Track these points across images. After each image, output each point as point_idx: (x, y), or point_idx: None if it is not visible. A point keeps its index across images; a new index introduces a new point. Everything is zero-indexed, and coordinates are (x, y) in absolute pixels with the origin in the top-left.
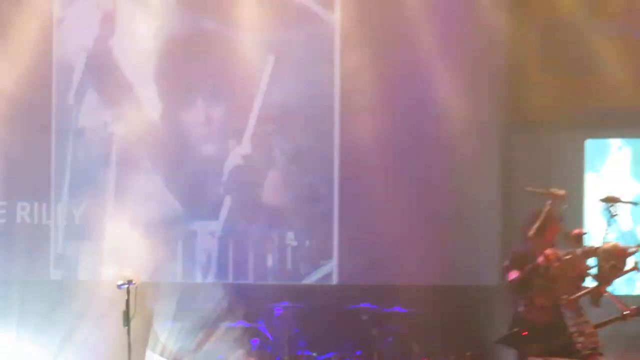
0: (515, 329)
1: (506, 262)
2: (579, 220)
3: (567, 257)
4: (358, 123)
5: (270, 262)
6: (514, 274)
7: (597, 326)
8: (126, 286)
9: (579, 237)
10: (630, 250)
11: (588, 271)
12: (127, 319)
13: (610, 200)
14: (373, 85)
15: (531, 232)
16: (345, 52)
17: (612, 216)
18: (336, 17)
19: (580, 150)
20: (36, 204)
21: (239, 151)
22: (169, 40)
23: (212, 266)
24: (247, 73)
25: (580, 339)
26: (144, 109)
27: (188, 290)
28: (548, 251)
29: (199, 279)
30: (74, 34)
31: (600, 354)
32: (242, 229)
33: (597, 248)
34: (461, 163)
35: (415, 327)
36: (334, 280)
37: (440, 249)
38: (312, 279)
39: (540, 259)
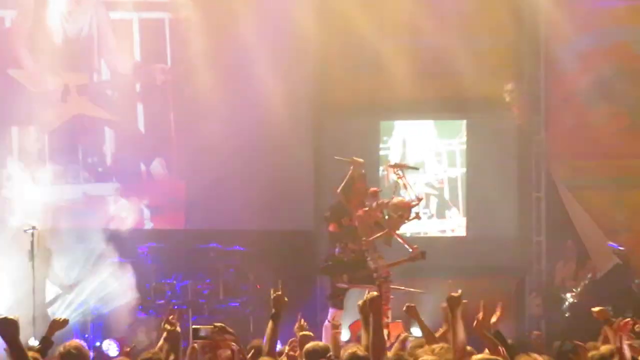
0: (330, 263)
1: (326, 214)
2: (375, 182)
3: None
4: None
5: None
6: (333, 226)
7: (390, 265)
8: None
9: (375, 194)
10: (413, 203)
11: (382, 220)
12: (31, 257)
13: (397, 167)
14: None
15: (339, 189)
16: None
17: (399, 178)
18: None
19: (375, 129)
20: None
21: None
22: None
23: None
24: None
25: (376, 271)
26: None
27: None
28: (360, 212)
29: None
30: None
31: (390, 281)
32: None
33: (388, 202)
34: (283, 139)
35: (251, 262)
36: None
37: (268, 204)
38: None
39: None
